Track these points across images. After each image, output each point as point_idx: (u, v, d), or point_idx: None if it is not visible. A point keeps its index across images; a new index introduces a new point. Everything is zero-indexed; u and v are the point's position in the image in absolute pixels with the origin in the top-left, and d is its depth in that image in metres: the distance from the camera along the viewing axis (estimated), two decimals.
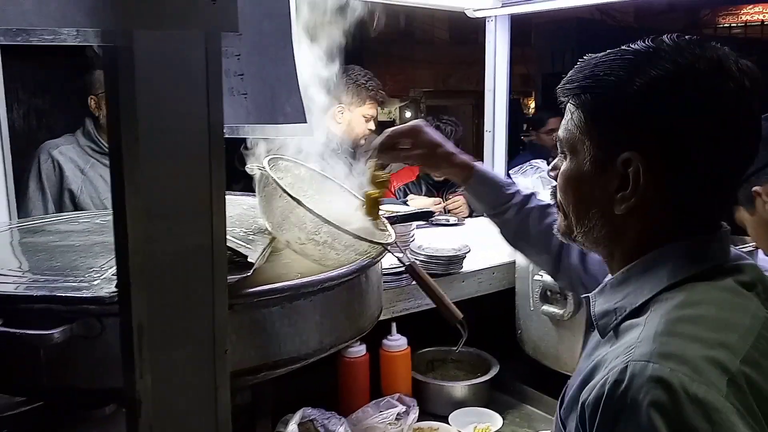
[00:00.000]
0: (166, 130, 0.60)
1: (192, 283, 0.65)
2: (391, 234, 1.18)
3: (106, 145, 2.37)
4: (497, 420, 1.79)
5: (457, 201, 3.03)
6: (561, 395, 0.90)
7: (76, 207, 2.32)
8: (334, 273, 1.00)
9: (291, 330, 0.93)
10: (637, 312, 0.79)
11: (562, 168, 0.89)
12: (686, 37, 0.81)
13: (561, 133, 0.89)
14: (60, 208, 2.32)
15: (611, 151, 0.81)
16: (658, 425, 0.65)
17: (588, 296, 0.88)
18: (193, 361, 0.68)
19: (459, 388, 1.90)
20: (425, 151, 1.26)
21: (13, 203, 1.61)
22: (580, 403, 0.74)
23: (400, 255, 1.14)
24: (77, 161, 2.36)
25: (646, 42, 0.82)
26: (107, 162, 2.38)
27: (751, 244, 1.52)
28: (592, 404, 0.72)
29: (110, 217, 1.43)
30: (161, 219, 0.61)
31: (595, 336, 0.86)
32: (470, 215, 2.93)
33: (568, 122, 0.87)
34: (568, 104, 0.86)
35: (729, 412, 0.65)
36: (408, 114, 9.92)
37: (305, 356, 0.97)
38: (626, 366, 0.70)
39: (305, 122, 0.70)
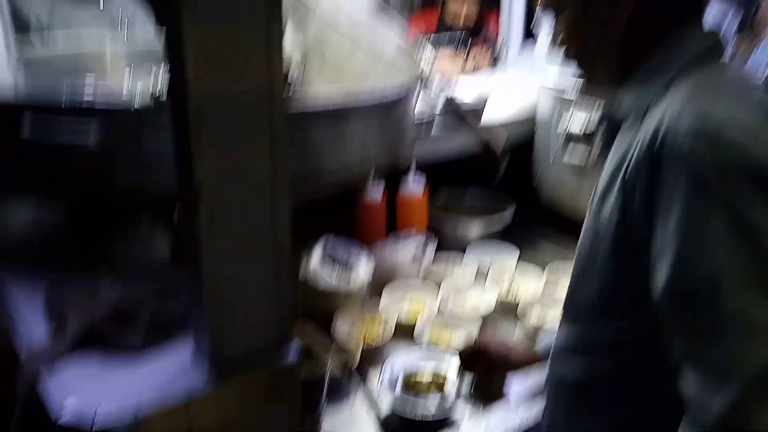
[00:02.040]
0: None
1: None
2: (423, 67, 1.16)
3: None
4: (514, 251, 1.85)
5: None
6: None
7: None
8: (378, 95, 1.00)
9: (336, 146, 0.94)
10: (659, 97, 0.82)
11: (564, 24, 0.92)
12: None
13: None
14: None
15: None
16: (699, 148, 0.70)
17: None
18: (253, 152, 0.68)
19: (476, 224, 1.94)
20: None
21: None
22: (618, 180, 0.79)
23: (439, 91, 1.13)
24: None
25: None
26: None
27: None
28: (633, 166, 0.77)
29: None
30: None
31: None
32: None
33: None
34: None
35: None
36: None
37: (347, 173, 0.98)
38: (658, 126, 0.75)
39: None
